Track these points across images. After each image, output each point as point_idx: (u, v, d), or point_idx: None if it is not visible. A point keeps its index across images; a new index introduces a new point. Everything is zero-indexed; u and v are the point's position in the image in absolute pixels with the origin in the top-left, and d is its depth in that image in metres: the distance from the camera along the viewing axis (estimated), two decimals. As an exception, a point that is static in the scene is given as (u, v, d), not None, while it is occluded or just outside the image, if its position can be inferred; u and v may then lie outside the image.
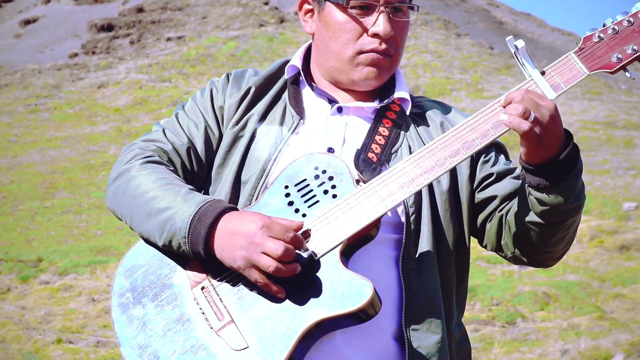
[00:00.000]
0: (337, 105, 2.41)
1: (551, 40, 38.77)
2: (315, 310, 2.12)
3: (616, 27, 2.11)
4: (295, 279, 2.15)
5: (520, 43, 2.12)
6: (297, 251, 2.14)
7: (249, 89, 2.46)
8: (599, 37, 2.13)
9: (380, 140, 2.36)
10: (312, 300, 2.15)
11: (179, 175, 2.38)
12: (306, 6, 2.44)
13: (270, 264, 2.05)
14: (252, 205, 2.29)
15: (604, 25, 2.15)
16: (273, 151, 2.38)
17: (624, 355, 10.69)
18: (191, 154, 2.44)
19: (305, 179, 2.24)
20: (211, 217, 2.13)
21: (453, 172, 2.35)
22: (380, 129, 2.38)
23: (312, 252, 2.19)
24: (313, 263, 2.19)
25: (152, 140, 2.44)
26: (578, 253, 13.92)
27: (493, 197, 2.33)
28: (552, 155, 2.09)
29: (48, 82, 31.95)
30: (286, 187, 2.25)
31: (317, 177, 2.23)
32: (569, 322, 10.93)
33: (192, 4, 38.65)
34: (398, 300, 2.29)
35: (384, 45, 2.32)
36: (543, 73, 2.16)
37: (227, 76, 2.55)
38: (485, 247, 2.43)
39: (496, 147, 2.35)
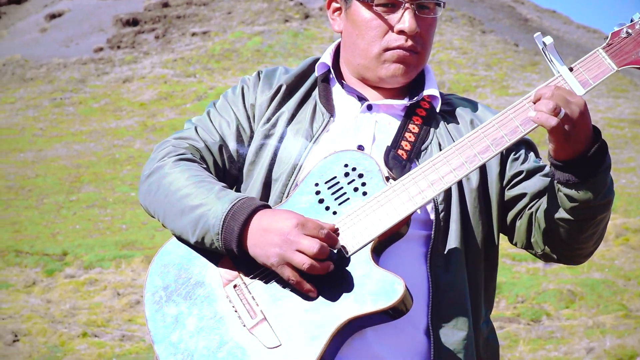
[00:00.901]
0: (367, 102, 2.44)
1: (577, 38, 39.27)
2: (347, 308, 2.16)
3: None
4: (327, 276, 2.18)
5: (548, 39, 2.15)
6: (333, 248, 2.20)
7: (280, 87, 2.50)
8: (626, 32, 2.16)
9: (410, 137, 2.38)
10: (344, 298, 2.17)
11: (211, 173, 2.41)
12: (334, 4, 2.48)
13: (304, 262, 2.09)
14: (282, 203, 2.33)
15: (631, 21, 2.16)
16: (303, 149, 2.40)
17: (650, 354, 10.77)
18: (223, 151, 2.48)
19: (335, 177, 2.28)
20: (244, 214, 2.17)
21: (482, 170, 2.38)
22: (410, 126, 2.40)
23: (344, 249, 2.22)
24: (344, 260, 2.21)
25: (185, 137, 2.48)
26: (603, 251, 13.87)
27: (523, 195, 2.36)
28: (581, 151, 2.11)
29: (73, 76, 31.91)
30: (316, 184, 2.29)
31: (347, 174, 2.27)
32: (594, 320, 11.00)
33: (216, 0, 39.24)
34: (426, 295, 2.32)
35: (410, 42, 2.35)
36: (571, 69, 2.17)
37: (258, 74, 2.58)
38: (515, 244, 2.46)
39: (526, 145, 2.38)
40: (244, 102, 2.53)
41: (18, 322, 11.59)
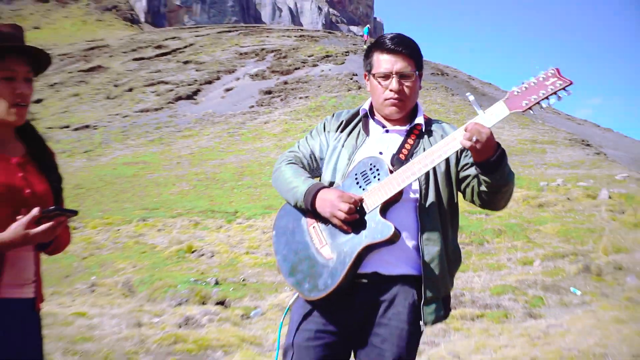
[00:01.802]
0: (385, 128, 2.57)
1: (501, 94, 31.82)
2: (365, 239, 2.36)
3: (526, 85, 2.24)
4: (355, 222, 2.39)
5: (471, 97, 2.26)
6: (357, 208, 2.37)
7: (342, 121, 2.66)
8: (517, 91, 2.25)
9: (407, 146, 2.51)
10: (363, 234, 2.37)
11: (305, 169, 2.63)
12: (366, 79, 2.63)
13: (341, 216, 2.36)
14: (339, 185, 2.52)
15: (522, 83, 2.24)
16: (351, 155, 2.55)
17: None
18: (312, 157, 2.67)
19: (365, 170, 2.44)
20: (314, 191, 2.44)
21: (447, 161, 2.49)
22: (408, 140, 2.54)
23: (366, 208, 2.40)
24: (365, 214, 2.40)
25: (293, 151, 2.69)
26: (515, 208, 14.10)
27: (468, 175, 2.47)
28: (488, 157, 2.26)
29: (238, 120, 32.72)
30: (356, 175, 2.46)
31: (371, 169, 2.43)
32: (512, 244, 11.12)
33: (312, 80, 38.93)
34: (416, 230, 2.46)
35: (396, 95, 2.50)
36: (484, 112, 2.25)
37: (333, 115, 2.71)
38: (466, 200, 2.52)
39: (470, 149, 2.31)
40: (324, 130, 2.68)
41: (212, 246, 12.75)
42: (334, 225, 2.45)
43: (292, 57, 45.10)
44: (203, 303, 8.38)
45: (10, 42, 2.14)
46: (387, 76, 2.53)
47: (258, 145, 27.42)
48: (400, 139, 2.58)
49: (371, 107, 2.67)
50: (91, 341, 6.02)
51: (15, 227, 2.07)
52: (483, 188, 2.39)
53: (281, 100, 35.46)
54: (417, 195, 2.48)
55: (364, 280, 2.46)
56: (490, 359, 5.36)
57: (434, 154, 2.36)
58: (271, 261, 11.58)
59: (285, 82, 38.60)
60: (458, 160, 2.53)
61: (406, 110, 2.58)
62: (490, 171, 2.31)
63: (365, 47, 41.87)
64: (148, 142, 29.61)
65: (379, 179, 2.43)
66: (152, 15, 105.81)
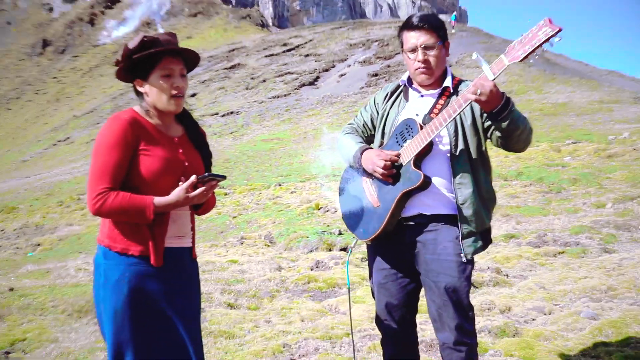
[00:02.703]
0: (420, 93, 2.56)
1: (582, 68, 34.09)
2: (402, 187, 2.40)
3: (522, 37, 2.12)
4: (394, 175, 2.42)
5: (475, 55, 2.16)
6: (394, 163, 2.39)
7: (387, 93, 2.67)
8: (515, 44, 2.14)
9: (438, 106, 2.47)
10: (400, 183, 2.41)
11: (361, 136, 2.68)
12: (402, 52, 2.56)
13: (380, 170, 2.43)
14: (383, 145, 2.55)
15: (520, 36, 2.12)
16: (394, 119, 2.57)
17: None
18: (365, 126, 2.70)
19: (402, 130, 2.47)
20: (360, 152, 2.53)
21: (473, 114, 2.45)
22: (439, 101, 2.49)
23: (401, 162, 2.42)
24: (401, 167, 2.42)
25: (351, 123, 2.73)
26: (588, 159, 12.62)
27: (490, 125, 2.41)
28: (495, 106, 2.23)
29: (351, 100, 30.74)
30: (396, 135, 2.49)
31: (407, 128, 2.46)
32: (586, 190, 10.41)
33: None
34: (449, 176, 2.42)
35: (422, 65, 2.47)
36: (489, 66, 2.15)
37: (382, 89, 2.70)
38: (493, 145, 2.45)
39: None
40: (374, 101, 2.70)
41: (335, 203, 11.70)
42: (378, 179, 2.50)
43: (392, 44, 43.76)
44: (329, 250, 8.31)
45: (168, 47, 2.24)
46: (414, 50, 2.50)
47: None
48: (432, 101, 2.54)
49: (409, 77, 2.64)
50: (242, 282, 6.27)
51: (178, 191, 2.17)
52: (498, 134, 2.36)
53: (386, 81, 34.09)
54: (448, 147, 2.45)
55: (411, 223, 2.49)
56: (572, 288, 5.26)
57: (452, 108, 2.33)
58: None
59: (388, 66, 37.53)
60: (482, 112, 2.47)
61: (435, 77, 2.53)
62: (500, 119, 2.27)
63: (453, 31, 40.11)
64: (280, 122, 29.66)
65: (412, 136, 2.43)
66: (278, 19, 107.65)
